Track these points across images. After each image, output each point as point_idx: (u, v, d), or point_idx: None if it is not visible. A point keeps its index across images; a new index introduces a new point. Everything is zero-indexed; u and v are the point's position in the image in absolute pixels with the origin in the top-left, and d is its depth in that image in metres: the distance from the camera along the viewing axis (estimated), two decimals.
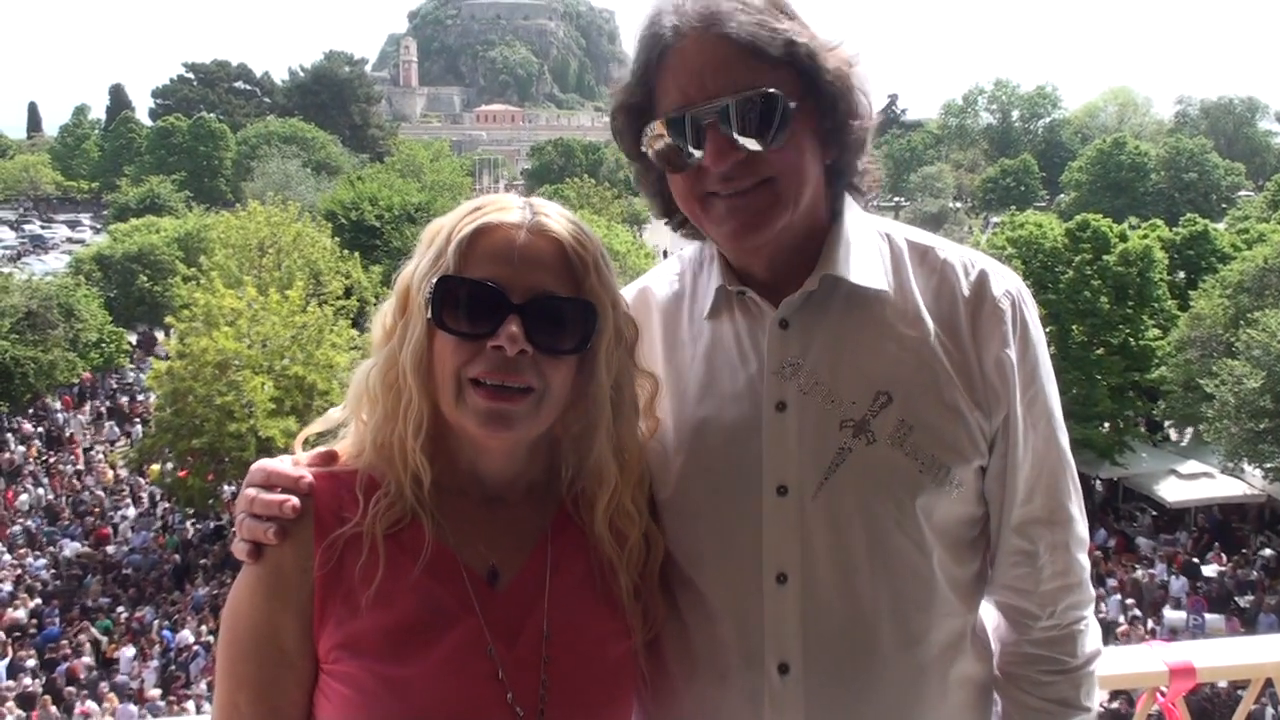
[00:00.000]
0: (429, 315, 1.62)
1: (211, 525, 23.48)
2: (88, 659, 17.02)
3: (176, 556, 21.89)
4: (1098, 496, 25.13)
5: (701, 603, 1.78)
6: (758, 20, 1.64)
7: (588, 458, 1.74)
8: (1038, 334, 1.80)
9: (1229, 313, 24.43)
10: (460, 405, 1.62)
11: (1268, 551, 22.50)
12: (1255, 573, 21.21)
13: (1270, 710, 14.23)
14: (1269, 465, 22.02)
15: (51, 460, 28.78)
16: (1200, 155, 70.27)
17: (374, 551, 1.61)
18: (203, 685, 15.90)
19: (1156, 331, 26.88)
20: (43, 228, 79.35)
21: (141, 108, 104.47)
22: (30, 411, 32.12)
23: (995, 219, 62.30)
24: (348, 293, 28.36)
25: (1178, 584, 20.22)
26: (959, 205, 79.64)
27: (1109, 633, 15.75)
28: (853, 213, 1.85)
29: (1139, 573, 21.05)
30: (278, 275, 28.70)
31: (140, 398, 33.48)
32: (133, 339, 39.20)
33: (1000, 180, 78.37)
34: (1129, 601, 19.39)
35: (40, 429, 31.54)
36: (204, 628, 17.85)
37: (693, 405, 1.82)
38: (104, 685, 16.12)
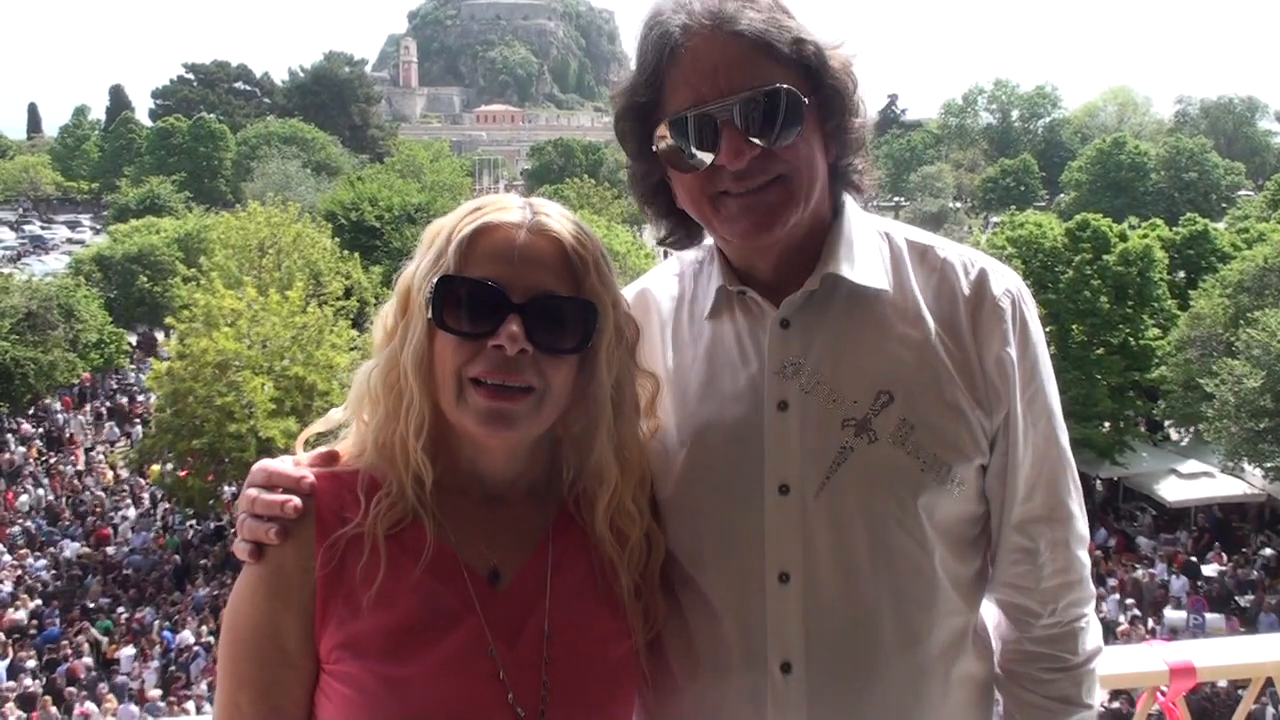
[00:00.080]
0: (430, 315, 1.62)
1: (212, 526, 23.48)
2: (88, 660, 17.02)
3: (177, 557, 21.89)
4: (1098, 496, 25.13)
5: (703, 602, 1.78)
6: (767, 18, 1.65)
7: (589, 457, 1.74)
8: (1037, 333, 1.80)
9: (1229, 312, 24.43)
10: (461, 405, 1.62)
11: (1268, 551, 22.51)
12: (1255, 572, 21.22)
13: (1271, 710, 14.24)
14: (1269, 465, 22.02)
15: (52, 461, 28.78)
16: (1200, 155, 70.25)
17: (375, 552, 1.62)
18: (203, 686, 15.90)
19: (1156, 331, 26.89)
20: (43, 228, 79.39)
21: (141, 108, 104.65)
22: (30, 412, 32.12)
23: (995, 219, 62.30)
24: (348, 293, 28.38)
25: (1178, 583, 20.23)
26: (959, 205, 79.63)
27: (1109, 632, 15.75)
28: (853, 212, 1.85)
29: (1139, 572, 21.06)
30: (278, 276, 28.70)
31: (140, 398, 33.49)
32: (133, 340, 39.21)
33: (1000, 180, 78.34)
34: (1129, 601, 19.40)
35: (40, 430, 31.55)
36: (204, 628, 17.85)
37: (694, 405, 1.82)
38: (103, 686, 16.12)
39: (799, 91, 1.65)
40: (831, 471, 1.71)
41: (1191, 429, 26.60)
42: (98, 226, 74.60)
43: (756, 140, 1.64)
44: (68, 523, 24.24)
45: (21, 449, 29.46)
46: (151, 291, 38.34)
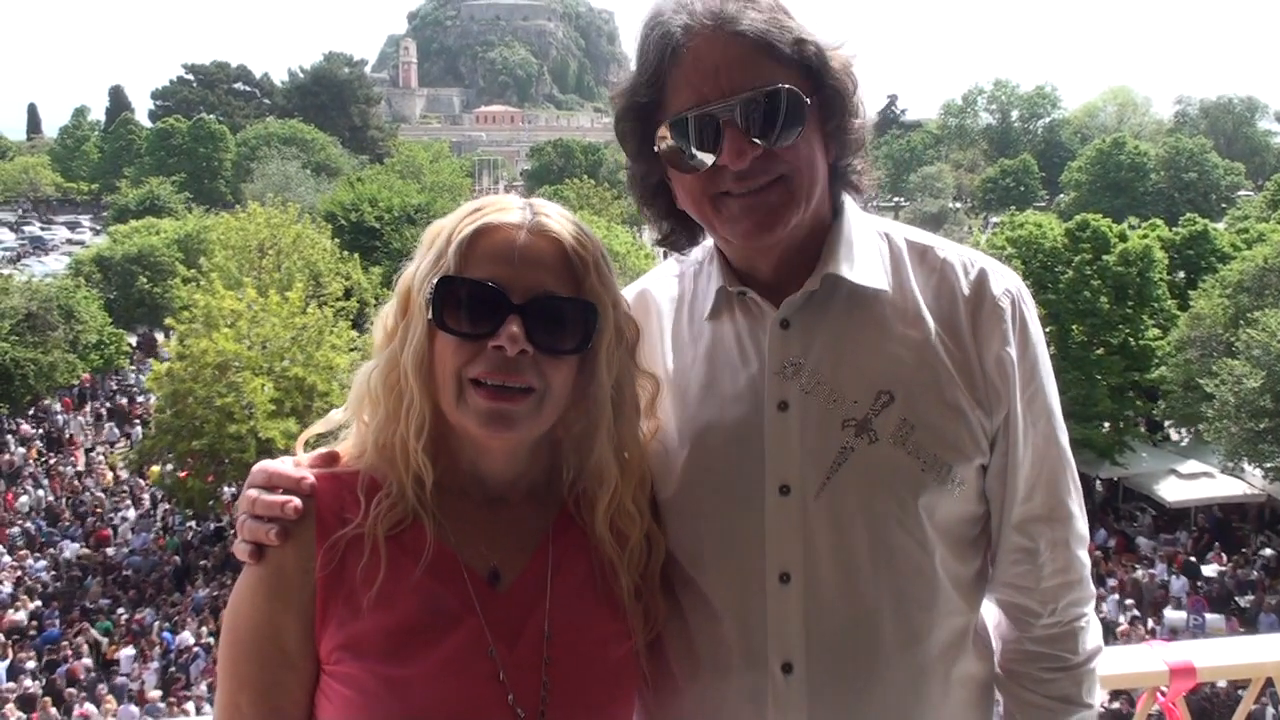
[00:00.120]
0: (430, 316, 1.62)
1: (211, 527, 23.48)
2: (87, 661, 17.02)
3: (177, 558, 21.88)
4: (1098, 496, 25.13)
5: (704, 602, 1.78)
6: (768, 18, 1.65)
7: (589, 458, 1.74)
8: (1037, 332, 1.80)
9: (1229, 312, 24.42)
10: (461, 406, 1.62)
11: (1268, 551, 22.51)
12: (1255, 572, 21.22)
13: (1271, 710, 14.23)
14: (1269, 465, 22.02)
15: (51, 462, 28.78)
16: (1200, 155, 70.24)
17: (375, 552, 1.62)
18: (203, 687, 15.90)
19: (1156, 331, 26.88)
20: (42, 229, 79.32)
21: (141, 109, 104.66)
22: (30, 413, 32.12)
23: (995, 219, 62.27)
24: (347, 294, 28.35)
25: (1178, 584, 20.22)
26: (959, 205, 79.60)
27: (1109, 633, 15.74)
28: (853, 213, 1.85)
29: (1139, 573, 21.06)
30: (277, 277, 28.69)
31: (140, 399, 33.48)
32: (133, 340, 39.19)
33: (1000, 180, 78.33)
34: (1128, 601, 19.40)
35: (40, 431, 31.55)
36: (204, 629, 17.85)
37: (694, 406, 1.82)
38: (102, 687, 16.11)
39: (800, 92, 1.65)
40: (832, 472, 1.72)
41: (1191, 429, 26.59)
42: (97, 227, 74.59)
43: (758, 140, 1.64)
44: (67, 524, 24.23)
45: (21, 450, 29.46)
46: (151, 292, 38.33)
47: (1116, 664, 2.49)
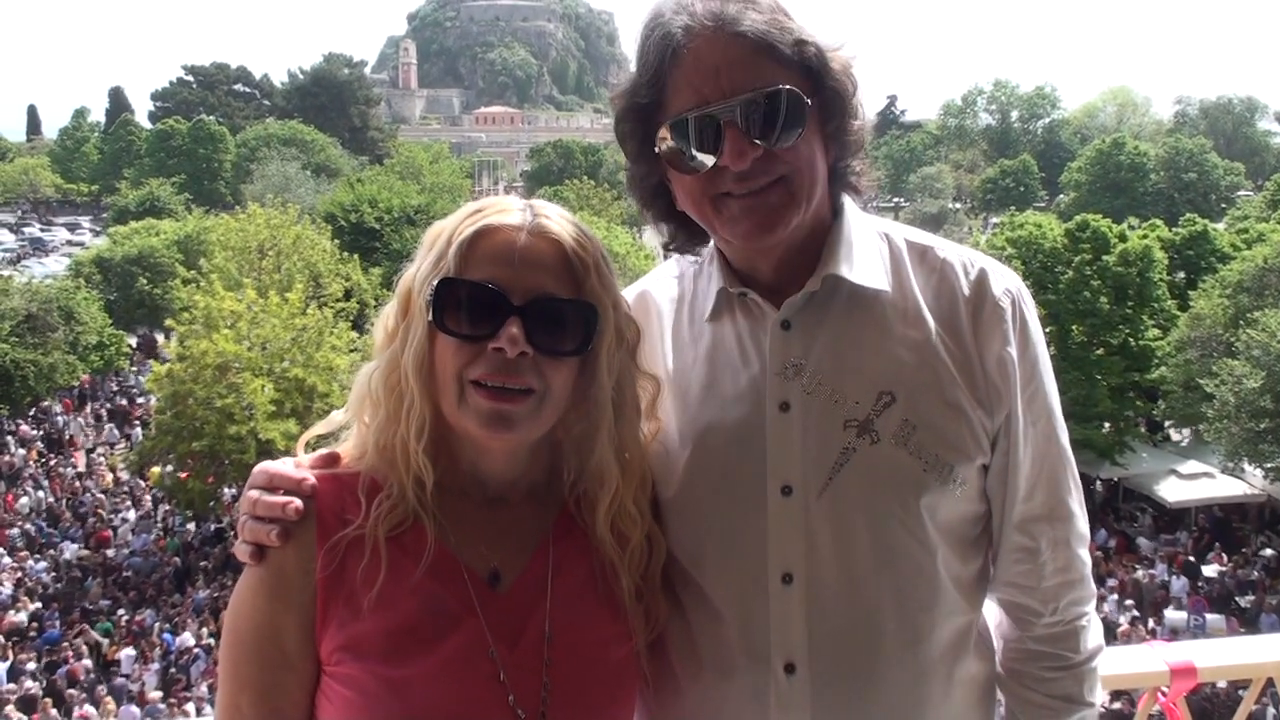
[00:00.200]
0: (430, 317, 1.62)
1: (212, 528, 23.47)
2: (87, 662, 17.02)
3: (177, 559, 21.87)
4: (1098, 497, 25.11)
5: (706, 603, 1.78)
6: (769, 19, 1.65)
7: (589, 459, 1.74)
8: (1037, 332, 1.81)
9: (1229, 313, 24.41)
10: (462, 407, 1.62)
11: (1268, 551, 22.50)
12: (1256, 573, 21.21)
13: (1271, 710, 14.22)
14: (1269, 465, 22.01)
15: (52, 463, 28.77)
16: (1199, 155, 70.25)
17: (376, 554, 1.62)
18: (204, 688, 15.89)
19: (1156, 331, 26.88)
20: (42, 230, 79.24)
21: (141, 110, 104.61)
22: (30, 414, 32.11)
23: (995, 219, 62.28)
24: (347, 295, 28.37)
25: (1178, 584, 20.22)
26: (958, 206, 79.62)
27: (1109, 633, 15.71)
28: (853, 213, 1.85)
29: (1139, 573, 21.05)
30: (277, 278, 28.69)
31: (140, 400, 33.46)
32: (133, 342, 39.18)
33: (999, 181, 78.35)
34: (1128, 602, 19.39)
35: (40, 432, 31.54)
36: (205, 630, 17.84)
37: (695, 407, 1.82)
38: (102, 689, 16.11)
39: (801, 93, 1.65)
40: (834, 472, 1.72)
41: (1191, 429, 26.60)
42: (97, 229, 74.56)
43: (759, 141, 1.64)
44: (68, 525, 24.23)
45: (21, 451, 29.46)
46: (151, 293, 38.31)
47: (1117, 664, 2.49)
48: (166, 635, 18.07)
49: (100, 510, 24.84)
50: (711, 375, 1.83)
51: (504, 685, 1.60)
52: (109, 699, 15.67)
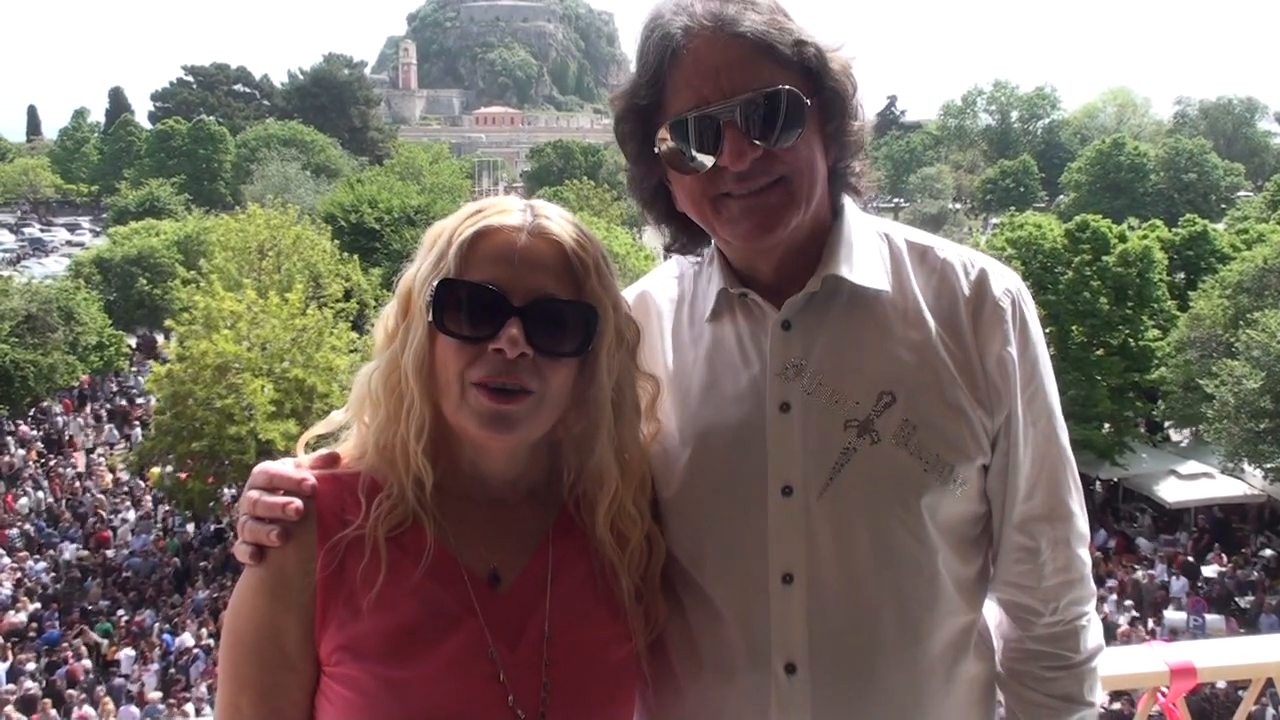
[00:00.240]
0: (430, 318, 1.62)
1: (211, 528, 23.47)
2: (87, 662, 17.02)
3: (176, 559, 21.88)
4: (1098, 497, 25.11)
5: (706, 603, 1.78)
6: (768, 20, 1.65)
7: (589, 460, 1.74)
8: (1037, 332, 1.81)
9: (1228, 313, 24.41)
10: (462, 408, 1.62)
11: (1268, 552, 22.50)
12: (1255, 573, 21.21)
13: (1271, 710, 14.23)
14: (1269, 465, 22.00)
15: (51, 464, 28.77)
16: (1199, 156, 70.25)
17: (376, 554, 1.62)
18: (203, 688, 15.90)
19: (1156, 332, 26.87)
20: (42, 231, 79.22)
21: (141, 111, 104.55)
22: (30, 415, 32.11)
23: (994, 220, 62.31)
24: (347, 295, 28.36)
25: (1178, 585, 20.23)
26: (958, 206, 79.65)
27: (1109, 634, 15.72)
28: (853, 214, 1.85)
29: (1139, 573, 21.06)
30: (277, 278, 28.67)
31: (140, 401, 33.46)
32: (132, 342, 39.18)
33: (999, 181, 78.34)
34: (1128, 603, 19.40)
35: (40, 432, 31.54)
36: (204, 631, 17.84)
37: (695, 407, 1.83)
38: (100, 689, 16.11)
39: (800, 93, 1.65)
40: (835, 472, 1.72)
41: (1191, 430, 26.60)
42: (97, 229, 74.53)
43: (758, 142, 1.64)
44: (67, 525, 24.23)
45: (21, 452, 29.46)
46: (151, 294, 38.30)
47: (1117, 664, 2.49)
48: (166, 636, 18.07)
49: (100, 511, 24.84)
50: (712, 376, 1.83)
51: (504, 686, 1.60)
52: (108, 699, 15.67)
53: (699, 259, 1.93)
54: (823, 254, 1.79)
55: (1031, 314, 1.81)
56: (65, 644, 17.67)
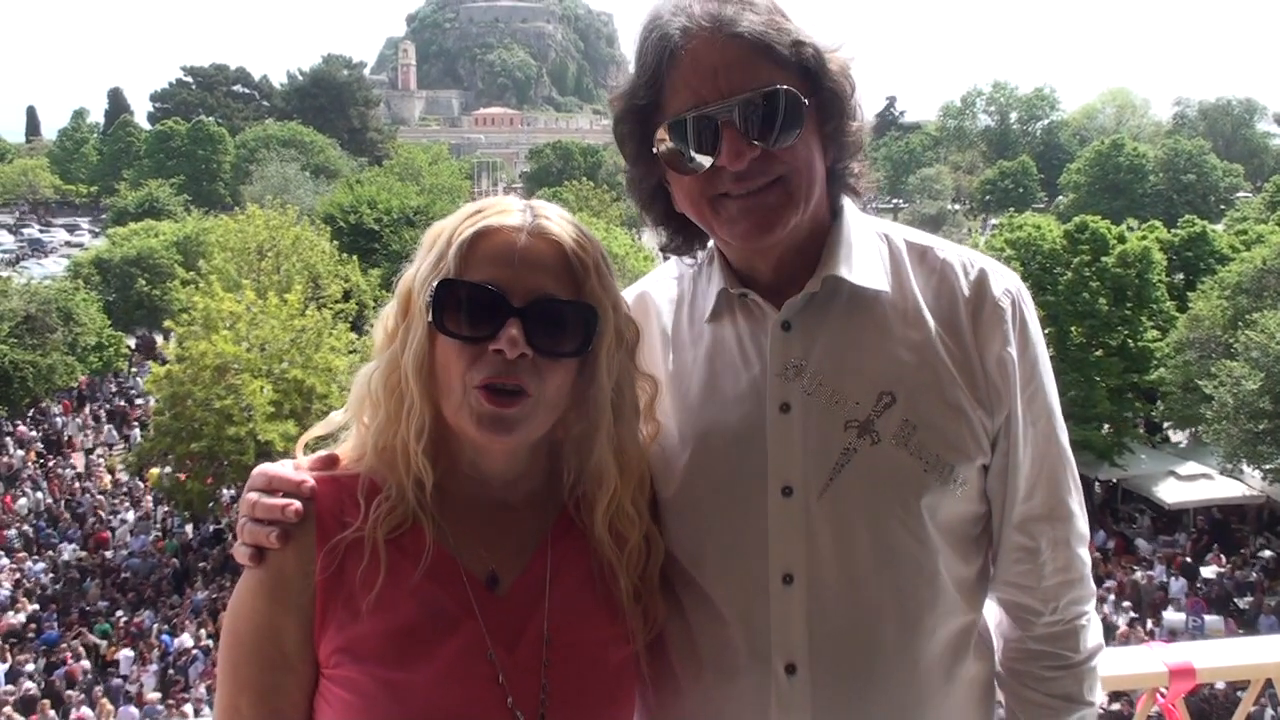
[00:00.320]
0: (430, 319, 1.62)
1: (210, 529, 23.47)
2: (86, 663, 17.01)
3: (175, 560, 21.87)
4: (1097, 498, 25.12)
5: (706, 603, 1.78)
6: (766, 20, 1.65)
7: (588, 460, 1.74)
8: (1036, 332, 1.81)
9: (1227, 314, 24.43)
10: (462, 409, 1.62)
11: (1267, 553, 22.52)
12: (1254, 574, 21.24)
13: (1270, 711, 14.24)
14: (1268, 466, 22.02)
15: (50, 464, 28.76)
16: (1198, 157, 70.33)
17: (375, 556, 1.61)
18: (202, 689, 15.90)
19: (1155, 333, 26.89)
20: (41, 232, 79.17)
21: (140, 111, 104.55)
22: (29, 415, 32.10)
23: (993, 221, 62.32)
24: (346, 296, 28.38)
25: (1177, 585, 20.24)
26: (957, 207, 79.71)
27: (1108, 634, 15.75)
28: (852, 214, 1.85)
29: (1138, 574, 21.07)
30: (276, 279, 28.68)
31: (139, 401, 33.47)
32: (131, 343, 39.19)
33: (998, 182, 78.39)
34: (1126, 603, 19.41)
35: (39, 433, 31.53)
36: (203, 631, 17.84)
37: (695, 408, 1.82)
38: (98, 690, 16.11)
39: (799, 93, 1.65)
40: (835, 473, 1.72)
41: (1190, 431, 26.62)
42: (96, 230, 74.48)
43: (756, 142, 1.64)
44: (66, 526, 24.22)
45: (20, 452, 29.45)
46: (150, 295, 38.31)
47: (1116, 665, 2.49)
48: (165, 636, 18.07)
49: (99, 511, 24.85)
50: (712, 376, 1.83)
51: (503, 688, 1.60)
52: (106, 700, 15.67)
53: (695, 261, 1.93)
54: (822, 254, 1.79)
55: (1031, 314, 1.81)
56: (64, 645, 17.67)
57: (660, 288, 1.98)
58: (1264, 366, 21.61)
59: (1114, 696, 11.21)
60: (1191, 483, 23.94)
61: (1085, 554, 1.86)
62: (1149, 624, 18.44)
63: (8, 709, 14.78)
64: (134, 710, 15.47)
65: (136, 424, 31.42)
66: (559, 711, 1.63)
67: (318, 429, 1.80)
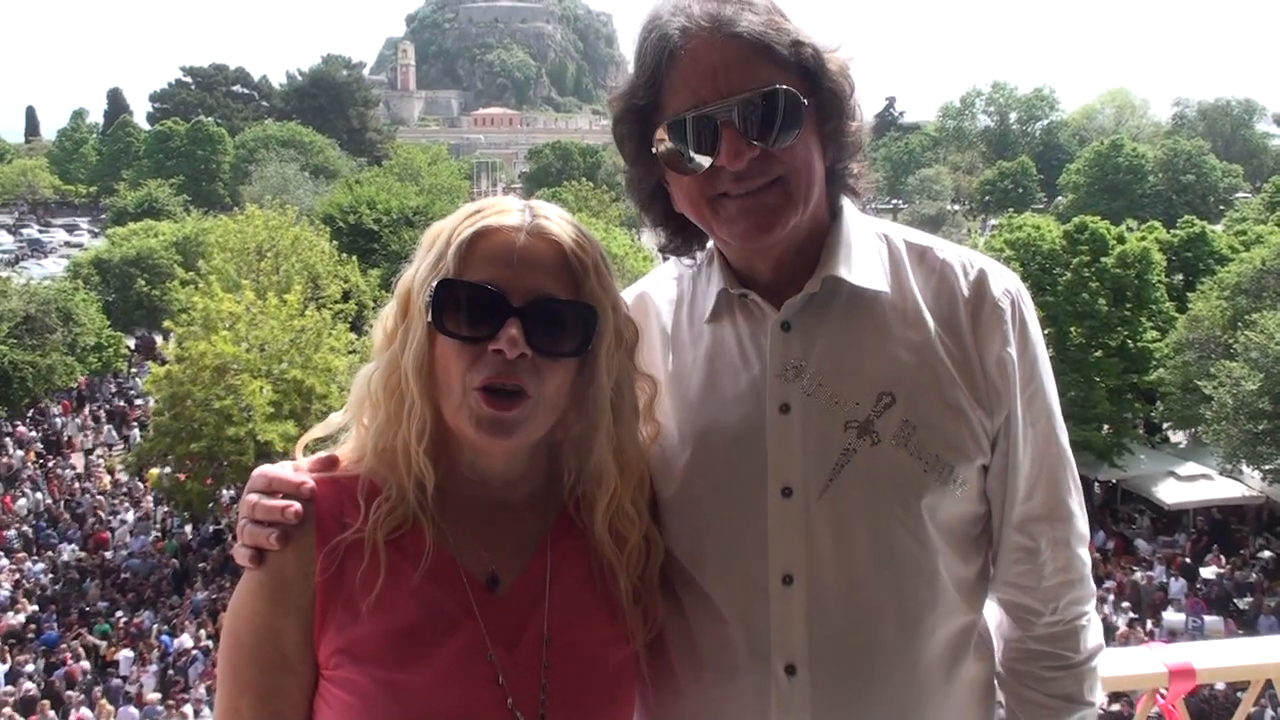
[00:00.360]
0: (429, 319, 1.61)
1: (210, 529, 23.47)
2: (85, 663, 17.01)
3: (175, 561, 21.87)
4: (1096, 499, 25.12)
5: (706, 604, 1.78)
6: (765, 20, 1.65)
7: (588, 460, 1.74)
8: (1036, 332, 1.81)
9: (1227, 314, 24.43)
10: (462, 410, 1.62)
11: (1266, 553, 22.53)
12: (1254, 574, 21.24)
13: (1270, 712, 14.25)
14: (1267, 467, 22.02)
15: (50, 465, 28.76)
16: (1198, 157, 70.33)
17: (375, 557, 1.61)
18: (202, 689, 15.90)
19: (1155, 333, 26.90)
20: (41, 232, 79.10)
21: (139, 112, 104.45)
22: (29, 416, 32.10)
23: (993, 221, 62.35)
24: (346, 296, 28.37)
25: (1176, 586, 20.25)
26: (957, 208, 79.70)
27: (1108, 635, 15.75)
28: (851, 214, 1.85)
29: (1138, 575, 21.07)
30: (276, 279, 28.69)
31: (139, 402, 33.46)
32: (131, 343, 39.18)
33: (998, 182, 78.37)
34: (1126, 604, 19.41)
35: (38, 433, 31.52)
36: (203, 632, 17.84)
37: (695, 408, 1.82)
38: (98, 690, 16.10)
39: (798, 93, 1.65)
40: (834, 473, 1.72)
41: (1190, 431, 26.63)
42: (96, 230, 74.45)
43: (756, 142, 1.64)
44: (66, 526, 24.22)
45: (19, 453, 29.45)
46: (150, 295, 38.29)
47: (1116, 666, 2.49)
48: (165, 637, 18.06)
49: (98, 512, 24.85)
50: (711, 376, 1.83)
51: (503, 688, 1.60)
52: (106, 701, 15.67)
53: (694, 261, 1.93)
54: (821, 255, 1.79)
55: (1031, 314, 1.81)
56: (64, 645, 17.67)
57: (660, 288, 1.98)
58: (1263, 367, 21.61)
59: (1114, 697, 11.22)
60: (1191, 483, 23.95)
61: (1085, 554, 1.86)
62: (1149, 624, 18.45)
63: (8, 709, 14.77)
64: (134, 711, 15.46)
65: (136, 424, 31.41)
66: (559, 712, 1.63)
67: (317, 430, 1.80)
